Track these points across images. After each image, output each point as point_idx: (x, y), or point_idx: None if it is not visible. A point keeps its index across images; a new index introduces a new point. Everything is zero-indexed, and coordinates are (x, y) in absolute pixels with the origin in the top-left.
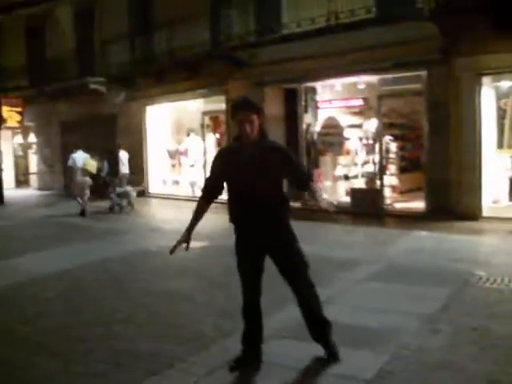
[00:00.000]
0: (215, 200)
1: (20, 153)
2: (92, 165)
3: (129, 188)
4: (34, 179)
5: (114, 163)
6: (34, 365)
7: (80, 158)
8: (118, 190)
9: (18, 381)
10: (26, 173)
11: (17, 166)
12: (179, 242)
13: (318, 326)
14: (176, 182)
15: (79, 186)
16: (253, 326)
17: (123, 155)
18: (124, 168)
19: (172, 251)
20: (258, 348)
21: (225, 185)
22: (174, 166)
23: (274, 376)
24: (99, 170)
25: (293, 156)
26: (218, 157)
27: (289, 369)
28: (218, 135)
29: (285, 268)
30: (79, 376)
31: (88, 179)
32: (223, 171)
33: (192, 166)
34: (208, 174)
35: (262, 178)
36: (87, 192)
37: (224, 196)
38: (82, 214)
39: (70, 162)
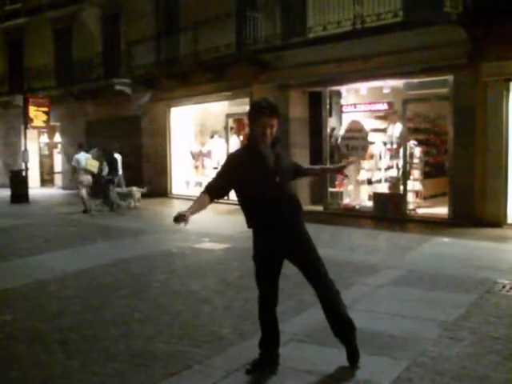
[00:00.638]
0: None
1: (45, 152)
2: (93, 165)
3: (134, 188)
4: (58, 178)
5: (114, 164)
6: (53, 363)
7: (83, 158)
8: (122, 190)
9: (37, 378)
10: (51, 172)
11: (42, 165)
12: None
13: (342, 325)
14: (199, 184)
15: (82, 185)
16: (270, 331)
17: (118, 157)
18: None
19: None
20: (275, 352)
21: (234, 188)
22: (196, 167)
23: (291, 380)
24: (100, 170)
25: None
26: (231, 160)
27: (306, 373)
28: (241, 138)
29: (308, 270)
30: (97, 375)
31: (90, 178)
32: (240, 175)
33: (215, 168)
34: (216, 175)
35: (285, 183)
36: (88, 191)
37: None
38: (85, 211)
39: (73, 163)
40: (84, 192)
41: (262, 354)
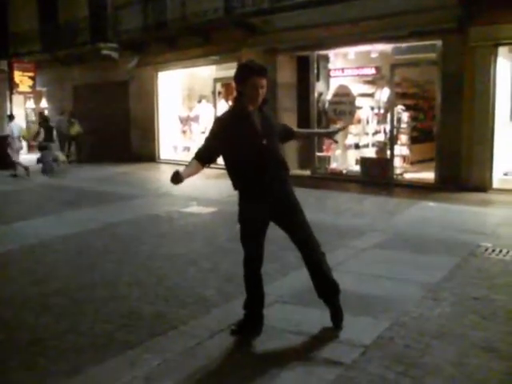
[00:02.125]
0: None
1: (32, 118)
2: (26, 132)
3: (57, 153)
4: None
5: (50, 131)
6: (41, 325)
7: (16, 127)
8: (54, 154)
9: (27, 340)
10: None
11: (29, 131)
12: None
13: (328, 287)
14: (187, 149)
15: (17, 152)
16: (254, 292)
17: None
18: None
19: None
20: (259, 313)
21: (222, 153)
22: (184, 132)
23: (275, 340)
24: (36, 136)
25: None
26: (217, 124)
27: (290, 333)
28: (230, 102)
29: (294, 232)
30: (85, 336)
31: (21, 145)
32: (227, 139)
33: (203, 132)
34: (205, 140)
35: (272, 144)
36: (17, 158)
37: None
38: (15, 175)
39: (7, 131)
40: (18, 158)
41: (247, 314)
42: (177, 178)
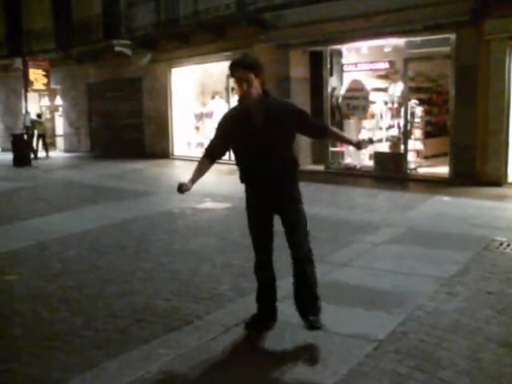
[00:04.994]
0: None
1: (47, 115)
2: None
3: None
4: (60, 141)
5: None
6: (57, 320)
7: None
8: None
9: (42, 335)
10: (53, 135)
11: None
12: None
13: (309, 298)
14: (200, 145)
15: None
16: (266, 285)
17: None
18: None
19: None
20: (272, 307)
21: (229, 148)
22: (197, 128)
23: (288, 334)
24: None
25: (305, 111)
26: (223, 120)
27: (302, 328)
28: None
29: (290, 228)
30: (100, 331)
31: None
32: (230, 135)
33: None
34: (213, 136)
35: (272, 141)
36: None
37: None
38: None
39: None
40: None
41: (260, 309)
42: (181, 188)
